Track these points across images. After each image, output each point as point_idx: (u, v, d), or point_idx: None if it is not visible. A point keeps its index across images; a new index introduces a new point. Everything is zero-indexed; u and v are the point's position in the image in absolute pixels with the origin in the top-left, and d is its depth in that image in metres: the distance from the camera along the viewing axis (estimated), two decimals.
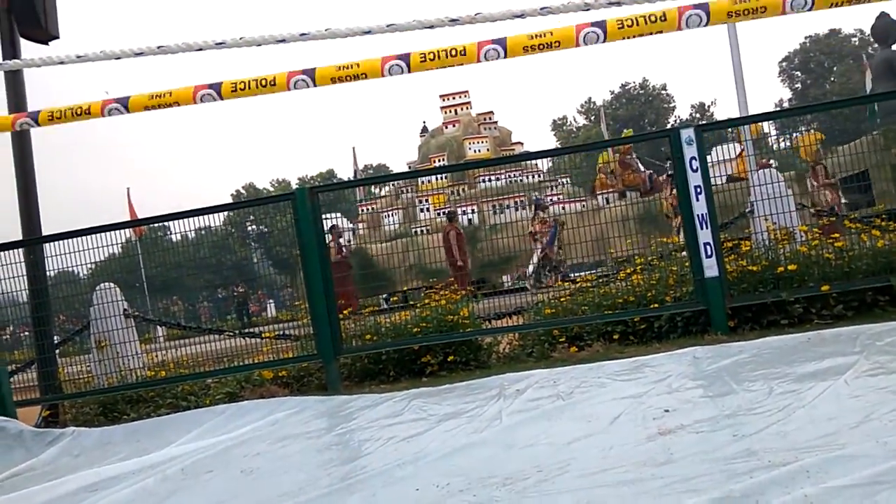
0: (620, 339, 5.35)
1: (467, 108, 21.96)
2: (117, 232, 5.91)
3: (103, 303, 6.16)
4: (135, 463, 3.82)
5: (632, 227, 6.08)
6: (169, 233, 6.99)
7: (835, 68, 51.43)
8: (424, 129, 24.41)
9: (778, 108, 49.97)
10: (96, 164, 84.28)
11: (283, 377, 5.76)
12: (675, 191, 9.10)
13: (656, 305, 5.33)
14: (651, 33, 3.84)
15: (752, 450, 2.54)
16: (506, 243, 7.02)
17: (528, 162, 18.49)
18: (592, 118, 54.17)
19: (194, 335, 6.64)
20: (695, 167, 5.22)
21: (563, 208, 13.63)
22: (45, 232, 6.09)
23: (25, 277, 5.97)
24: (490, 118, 22.11)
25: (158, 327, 7.45)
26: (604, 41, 3.82)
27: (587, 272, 6.64)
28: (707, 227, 5.17)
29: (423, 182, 18.30)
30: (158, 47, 1.64)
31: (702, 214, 5.17)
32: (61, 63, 1.71)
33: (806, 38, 53.48)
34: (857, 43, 50.90)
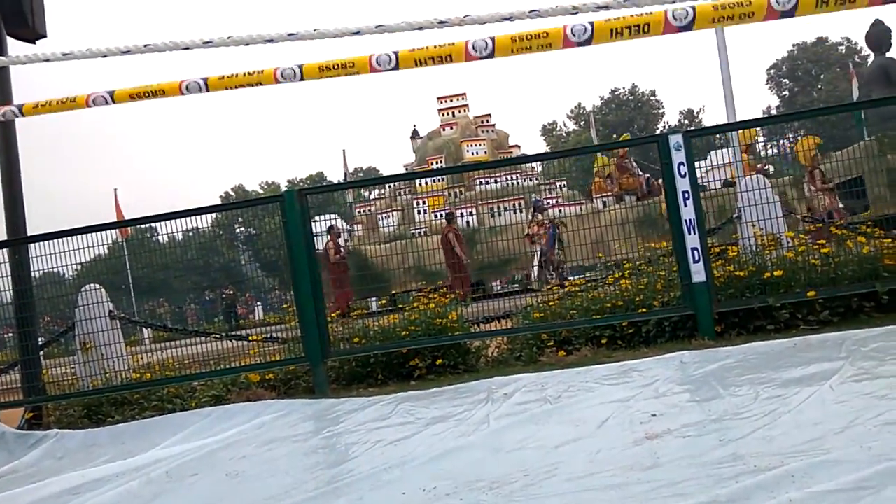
0: (608, 343, 5.36)
1: (465, 110, 21.95)
2: (103, 233, 5.87)
3: (89, 304, 6.10)
4: (119, 465, 3.79)
5: (630, 230, 6.08)
6: (156, 234, 6.95)
7: (822, 76, 51.95)
8: (415, 133, 24.41)
9: (765, 115, 50.39)
10: (84, 164, 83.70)
11: (270, 380, 5.73)
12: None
13: (644, 310, 5.34)
14: (639, 27, 3.84)
15: (739, 454, 2.55)
16: (502, 245, 7.03)
17: (524, 165, 18.57)
18: (582, 123, 54.38)
19: (181, 337, 6.59)
20: (683, 172, 5.25)
21: (560, 211, 13.69)
22: (31, 232, 6.03)
23: (10, 278, 5.90)
24: (487, 121, 22.11)
25: (144, 329, 7.40)
26: (592, 35, 3.83)
27: (581, 276, 6.66)
28: (695, 233, 5.19)
29: (420, 184, 18.29)
30: (145, 45, 1.63)
31: (689, 219, 5.20)
32: (47, 61, 1.70)
33: (793, 45, 54.01)
34: (843, 51, 51.49)
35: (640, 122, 54.34)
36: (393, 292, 6.76)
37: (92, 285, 6.29)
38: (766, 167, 13.59)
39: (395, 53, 2.97)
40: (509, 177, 17.72)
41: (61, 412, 5.85)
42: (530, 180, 17.73)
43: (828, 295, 5.01)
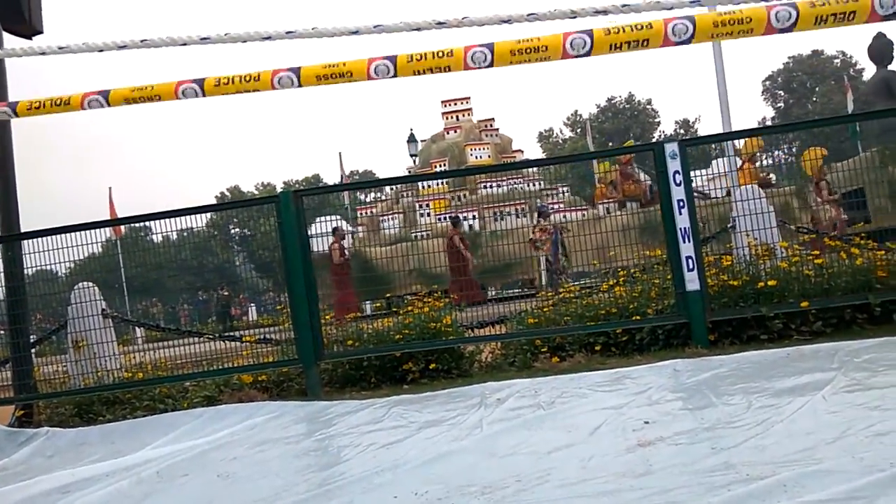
0: (602, 350, 5.37)
1: (468, 114, 21.96)
2: (97, 231, 5.85)
3: (81, 302, 6.07)
4: (110, 465, 3.76)
5: (631, 236, 6.09)
6: (150, 233, 6.92)
7: (817, 88, 52.24)
8: (412, 137, 24.44)
9: (761, 126, 50.66)
10: (78, 162, 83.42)
11: (263, 381, 5.71)
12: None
13: (638, 318, 5.35)
14: (638, 41, 3.86)
15: (731, 463, 2.56)
16: (505, 249, 7.02)
17: (527, 170, 18.57)
18: (578, 131, 54.51)
19: (173, 337, 6.56)
20: (678, 181, 5.27)
21: (564, 216, 13.71)
22: (24, 229, 6.00)
23: (2, 274, 5.87)
24: (491, 125, 22.12)
25: (137, 328, 7.37)
26: (591, 48, 3.84)
27: (580, 282, 6.66)
28: (689, 241, 5.21)
29: (424, 186, 18.28)
30: (142, 41, 1.63)
31: (684, 228, 5.21)
32: (43, 54, 1.70)
33: (789, 58, 54.31)
34: (838, 64, 51.79)
35: (637, 130, 54.50)
36: (388, 295, 6.72)
37: (85, 283, 6.27)
38: (769, 177, 13.64)
39: (394, 63, 2.97)
40: (512, 181, 17.73)
41: (52, 410, 5.82)
42: (533, 185, 17.76)
43: (821, 306, 5.03)
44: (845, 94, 25.61)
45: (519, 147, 23.41)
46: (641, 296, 5.60)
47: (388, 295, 6.75)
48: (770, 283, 5.20)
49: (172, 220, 5.82)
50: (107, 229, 6.45)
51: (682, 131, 55.01)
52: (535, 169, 18.22)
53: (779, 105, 54.81)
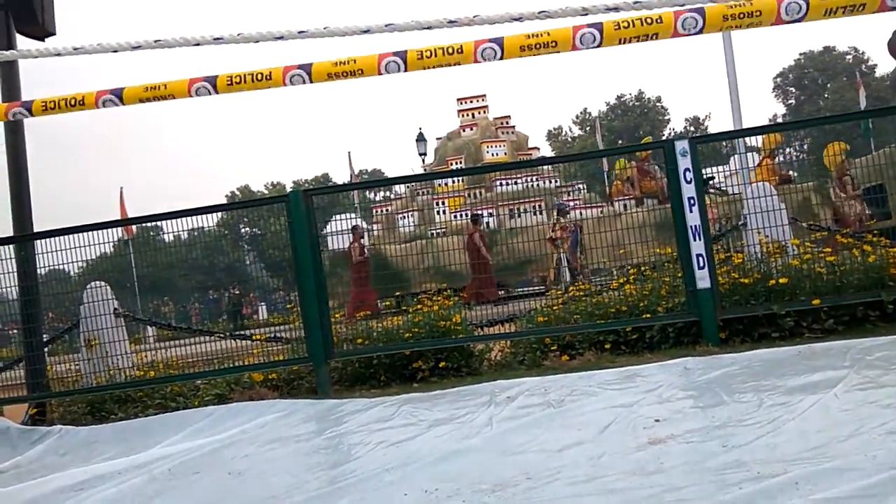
0: (612, 348, 5.36)
1: (485, 111, 21.93)
2: (109, 231, 5.89)
3: (94, 301, 6.12)
4: (122, 462, 3.80)
5: (648, 233, 6.05)
6: (161, 233, 6.97)
7: (828, 85, 51.83)
8: (421, 136, 24.45)
9: (772, 122, 50.32)
10: (91, 163, 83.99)
11: (273, 380, 5.74)
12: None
13: (648, 316, 5.34)
14: (647, 35, 3.85)
15: (742, 461, 2.55)
16: (521, 247, 7.00)
17: (542, 167, 18.52)
18: (588, 129, 54.37)
19: (185, 336, 6.61)
20: (689, 178, 5.25)
21: (580, 214, 13.67)
22: (37, 229, 6.05)
23: (15, 274, 5.93)
24: (507, 122, 22.08)
25: (149, 327, 7.41)
26: (601, 43, 3.83)
27: (594, 280, 6.64)
28: (700, 239, 5.19)
29: (439, 184, 18.27)
30: (156, 41, 1.64)
31: (695, 226, 5.19)
32: (58, 55, 1.71)
33: (800, 54, 53.90)
34: (850, 60, 51.33)
35: (646, 128, 54.23)
36: (397, 294, 6.73)
37: (97, 283, 6.32)
38: (789, 173, 13.53)
39: (404, 59, 2.97)
40: (528, 179, 17.69)
41: (65, 409, 5.87)
42: (549, 182, 17.72)
43: (833, 303, 5.00)
44: (857, 91, 25.38)
45: (533, 145, 23.36)
46: (652, 294, 5.58)
47: (397, 294, 6.75)
48: (781, 280, 5.17)
49: (183, 219, 5.85)
50: (118, 229, 6.49)
51: (692, 129, 54.75)
52: (548, 167, 18.20)
53: (790, 102, 54.44)
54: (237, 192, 56.95)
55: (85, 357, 6.02)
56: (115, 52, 1.66)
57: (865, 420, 2.79)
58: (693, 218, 5.19)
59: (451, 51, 3.74)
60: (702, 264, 5.16)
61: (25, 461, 4.38)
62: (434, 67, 3.86)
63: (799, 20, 4.39)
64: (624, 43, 4.29)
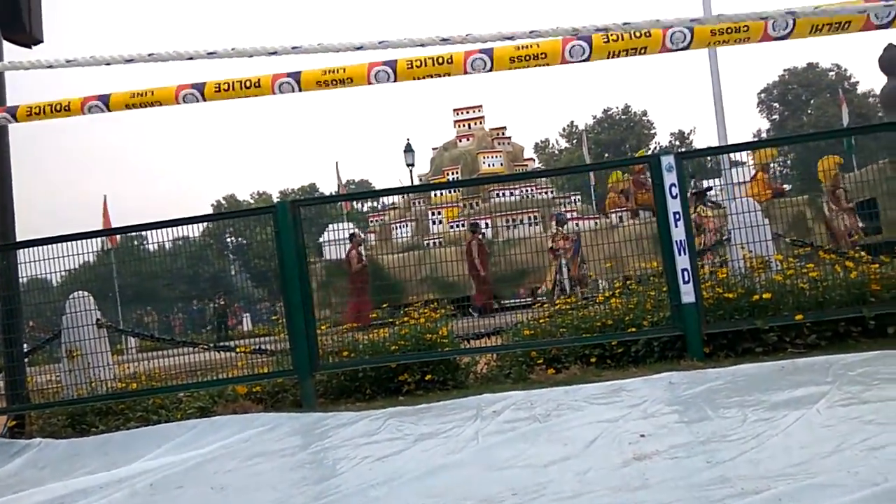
0: (598, 362, 5.37)
1: (481, 122, 22.01)
2: (92, 240, 5.84)
3: (76, 311, 6.05)
4: (103, 476, 3.74)
5: (645, 246, 6.07)
6: (145, 242, 6.92)
7: (812, 101, 52.57)
8: (409, 147, 24.48)
9: (756, 139, 50.92)
10: (74, 170, 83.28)
11: (257, 393, 5.69)
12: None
13: (634, 329, 5.36)
14: (636, 49, 3.88)
15: (726, 477, 2.56)
16: (518, 258, 7.01)
17: (530, 179, 18.64)
18: (574, 141, 54.71)
19: (168, 347, 6.54)
20: (674, 194, 5.29)
21: (577, 225, 13.72)
22: (20, 237, 5.98)
23: None
24: (503, 133, 22.18)
25: (130, 338, 7.34)
26: (590, 56, 3.87)
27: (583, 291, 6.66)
28: (685, 254, 5.22)
29: (435, 194, 18.29)
30: (149, 55, 1.64)
31: (680, 240, 5.23)
32: (50, 67, 1.70)
33: (784, 70, 54.67)
34: (833, 77, 52.16)
35: (633, 142, 54.70)
36: (385, 305, 6.70)
37: (80, 293, 6.25)
38: (782, 186, 13.71)
39: (393, 69, 2.99)
40: (524, 190, 17.80)
41: (45, 421, 5.78)
42: (545, 194, 17.84)
43: (815, 319, 5.05)
44: (840, 107, 25.77)
45: (527, 157, 23.50)
46: (637, 307, 5.61)
47: (393, 305, 6.72)
48: (765, 295, 5.22)
49: (170, 229, 5.81)
50: (101, 238, 6.43)
51: (677, 143, 55.26)
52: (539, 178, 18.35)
53: (774, 117, 55.12)
54: (223, 202, 56.68)
55: (66, 368, 5.95)
56: (108, 64, 1.65)
57: (847, 436, 2.82)
58: (678, 233, 5.23)
59: (440, 61, 3.76)
60: (686, 279, 5.19)
61: (4, 475, 4.31)
62: (423, 77, 3.87)
63: (785, 37, 4.46)
64: (613, 57, 4.34)
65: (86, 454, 4.56)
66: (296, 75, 3.16)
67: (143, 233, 6.48)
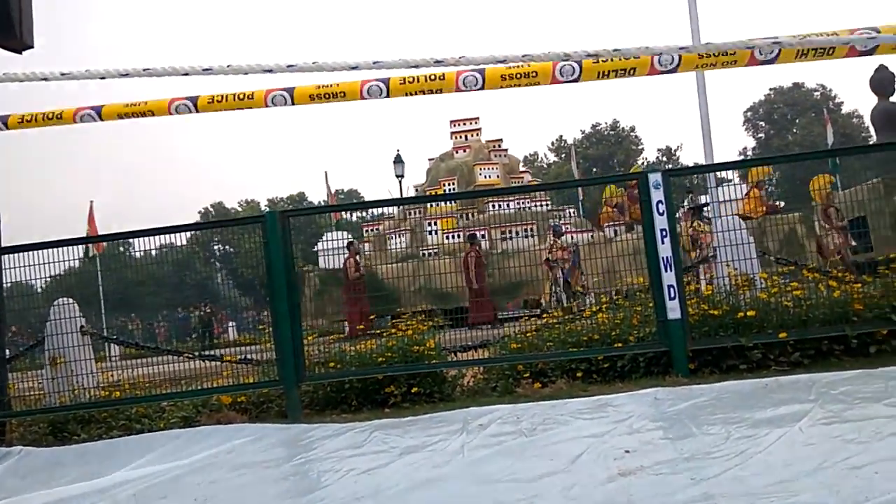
0: (584, 376, 5.39)
1: (477, 134, 22.09)
2: (77, 247, 5.81)
3: (60, 318, 6.00)
4: (85, 486, 3.70)
5: (642, 260, 6.10)
6: (130, 247, 6.89)
7: (797, 120, 53.27)
8: (398, 158, 24.52)
9: (743, 157, 51.49)
10: (60, 175, 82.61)
11: (242, 403, 5.65)
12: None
13: (620, 345, 5.39)
14: (625, 70, 3.95)
15: (710, 494, 2.58)
16: (514, 269, 7.01)
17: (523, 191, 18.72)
18: (563, 156, 55.01)
19: (152, 355, 6.49)
20: (661, 210, 5.34)
21: (572, 237, 13.80)
22: (4, 243, 5.93)
23: None
24: (499, 145, 22.26)
25: (113, 345, 7.27)
26: (580, 77, 3.92)
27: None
28: (671, 270, 5.27)
29: (431, 206, 18.34)
30: (144, 69, 1.65)
31: (666, 257, 5.28)
32: (45, 80, 1.71)
33: (770, 89, 55.38)
34: (818, 97, 52.90)
35: (621, 157, 55.11)
36: (372, 316, 6.70)
37: (64, 299, 6.19)
38: (776, 203, 13.84)
39: (386, 85, 3.02)
40: (519, 202, 17.92)
41: (25, 428, 5.71)
42: (540, 206, 17.96)
43: (799, 337, 5.10)
44: (825, 127, 26.11)
45: (522, 169, 23.64)
46: (623, 323, 5.64)
47: (380, 314, 6.72)
48: (749, 313, 5.27)
49: (157, 237, 5.79)
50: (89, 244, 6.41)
51: (664, 159, 55.73)
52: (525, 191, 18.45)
53: (759, 136, 55.77)
54: (210, 209, 56.41)
55: (49, 375, 5.88)
56: (103, 78, 1.66)
57: (829, 454, 2.85)
58: (665, 249, 5.28)
59: (433, 77, 3.80)
60: (672, 295, 5.24)
61: None
62: (416, 94, 3.91)
63: (772, 61, 4.54)
64: (602, 78, 4.41)
65: (67, 463, 4.51)
66: (289, 89, 3.18)
67: (130, 240, 6.44)
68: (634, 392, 4.54)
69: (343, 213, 23.88)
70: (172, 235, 5.86)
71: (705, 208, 10.54)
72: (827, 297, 5.38)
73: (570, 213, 18.82)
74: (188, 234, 7.33)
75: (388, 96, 3.81)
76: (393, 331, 5.93)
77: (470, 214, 18.27)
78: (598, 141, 56.93)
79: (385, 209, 19.57)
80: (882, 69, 12.41)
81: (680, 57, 4.07)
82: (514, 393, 5.27)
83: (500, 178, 20.24)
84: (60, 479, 4.11)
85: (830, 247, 9.52)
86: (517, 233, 14.69)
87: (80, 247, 5.92)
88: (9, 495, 3.71)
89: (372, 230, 18.54)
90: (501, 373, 5.64)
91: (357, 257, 8.48)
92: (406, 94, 3.86)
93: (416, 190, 22.94)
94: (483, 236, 14.93)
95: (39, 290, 6.50)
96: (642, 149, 57.88)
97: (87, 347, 6.15)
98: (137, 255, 6.96)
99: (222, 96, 3.29)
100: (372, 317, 6.44)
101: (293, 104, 3.57)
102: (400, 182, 24.84)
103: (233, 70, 1.62)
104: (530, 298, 9.23)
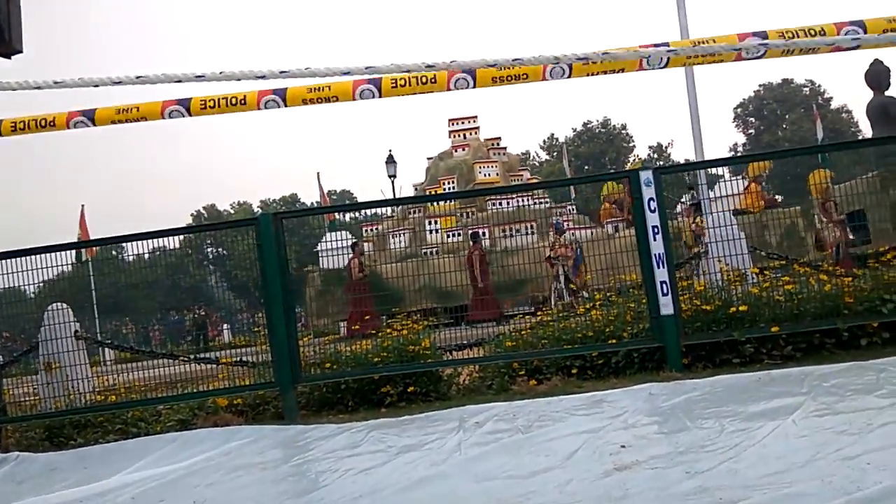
0: (579, 373, 5.42)
1: (476, 132, 22.10)
2: (69, 252, 5.80)
3: (54, 323, 5.98)
4: (82, 491, 3.71)
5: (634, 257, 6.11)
6: (123, 252, 6.88)
7: (787, 116, 53.52)
8: (391, 158, 24.52)
9: (733, 153, 51.72)
10: (51, 178, 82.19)
11: (238, 405, 5.65)
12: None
13: (614, 341, 5.42)
14: (614, 68, 3.98)
15: (705, 487, 2.61)
16: (515, 267, 7.03)
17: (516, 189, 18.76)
18: (555, 154, 55.12)
19: (147, 359, 6.48)
20: (653, 208, 5.38)
21: (573, 234, 13.85)
22: None
23: None
24: (498, 144, 22.28)
25: (107, 349, 7.25)
26: (569, 75, 3.95)
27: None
28: (664, 266, 5.31)
29: (431, 204, 18.33)
30: (137, 77, 1.65)
31: (659, 254, 5.31)
32: (38, 88, 1.71)
33: (760, 85, 55.63)
34: (807, 93, 53.19)
35: (612, 154, 55.25)
36: (364, 316, 6.70)
37: (58, 304, 6.18)
38: (775, 198, 13.89)
39: (378, 87, 3.04)
40: (520, 200, 17.96)
41: (21, 434, 5.70)
42: (541, 204, 18.00)
43: (791, 330, 5.15)
44: (814, 122, 26.27)
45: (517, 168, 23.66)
46: (617, 319, 5.67)
47: (383, 314, 6.72)
48: (742, 308, 5.31)
49: (149, 241, 5.79)
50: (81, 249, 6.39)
51: (655, 156, 55.88)
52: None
53: (750, 132, 56.01)
54: (203, 211, 56.20)
55: (44, 381, 5.87)
56: (97, 86, 1.67)
57: (822, 446, 2.89)
58: (657, 246, 5.32)
59: (424, 80, 3.82)
60: (665, 291, 5.27)
61: None
62: (408, 95, 3.93)
63: (759, 58, 4.59)
64: (592, 75, 4.44)
65: (64, 468, 4.51)
66: (281, 92, 3.20)
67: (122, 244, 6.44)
68: (629, 388, 4.58)
69: (337, 213, 23.84)
70: (165, 239, 5.86)
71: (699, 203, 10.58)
72: (818, 291, 5.43)
73: (570, 209, 18.86)
74: (181, 237, 7.29)
75: (379, 97, 3.83)
76: (388, 331, 5.94)
77: (470, 213, 18.28)
78: (590, 139, 57.04)
79: (379, 209, 19.53)
80: (877, 63, 12.47)
81: (669, 57, 4.10)
82: (510, 390, 5.29)
83: (499, 176, 20.26)
84: (58, 484, 4.11)
85: (830, 240, 9.58)
86: (517, 230, 14.72)
87: (72, 251, 5.90)
88: (6, 501, 3.71)
89: (372, 230, 18.54)
90: (497, 371, 5.66)
91: (361, 258, 8.50)
92: (398, 96, 3.88)
93: (416, 188, 22.92)
94: (484, 234, 14.96)
95: (32, 295, 6.48)
96: (633, 146, 58.06)
97: (82, 352, 6.15)
98: (130, 258, 6.93)
99: (215, 101, 3.31)
100: (382, 315, 6.44)
101: (286, 107, 3.59)
102: (392, 182, 24.85)
103: (225, 76, 1.63)
104: (535, 295, 9.22)
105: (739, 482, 2.62)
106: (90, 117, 3.18)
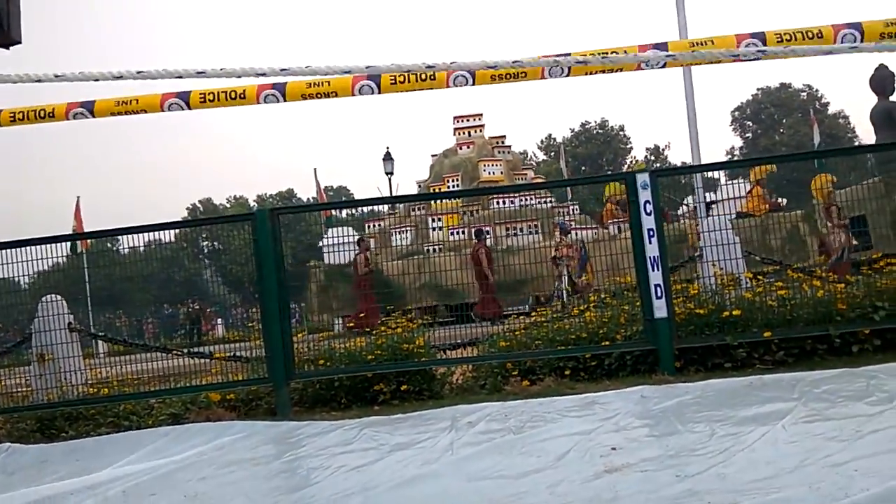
0: (572, 374, 5.44)
1: (481, 130, 22.07)
2: (63, 244, 5.79)
3: (48, 315, 5.97)
4: (74, 483, 3.71)
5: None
6: (118, 245, 6.87)
7: (784, 120, 53.66)
8: (388, 155, 24.48)
9: (730, 157, 51.86)
10: (47, 170, 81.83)
11: (231, 400, 5.65)
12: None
13: (607, 343, 5.44)
14: (612, 68, 4.00)
15: (695, 490, 2.63)
16: (520, 265, 7.02)
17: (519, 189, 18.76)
18: (552, 154, 55.13)
19: (140, 352, 6.47)
20: (648, 210, 5.40)
21: (577, 234, 13.86)
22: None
23: None
24: (502, 142, 22.25)
25: (100, 342, 7.24)
26: (568, 73, 3.96)
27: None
28: (658, 269, 5.33)
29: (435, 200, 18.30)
30: (138, 72, 1.66)
31: (653, 256, 5.33)
32: (39, 81, 1.71)
33: (758, 89, 55.70)
34: (805, 97, 53.31)
35: (609, 156, 55.32)
36: (397, 308, 6.69)
37: (52, 296, 6.17)
38: (779, 201, 13.86)
39: (377, 83, 3.04)
40: (524, 198, 17.98)
41: (12, 425, 5.69)
42: (544, 203, 18.01)
43: (783, 336, 5.17)
44: (811, 127, 26.34)
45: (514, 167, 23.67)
46: (611, 321, 5.69)
47: (387, 309, 6.72)
48: (735, 312, 5.33)
49: (144, 234, 5.78)
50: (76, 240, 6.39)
51: (652, 158, 55.96)
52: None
53: (747, 135, 56.12)
54: (199, 205, 56.05)
55: (36, 372, 5.86)
56: (97, 80, 1.67)
57: (811, 452, 2.91)
58: (652, 249, 5.34)
59: (423, 77, 3.83)
60: (659, 294, 5.29)
61: None
62: (407, 91, 3.94)
63: (757, 59, 4.60)
64: (590, 74, 4.46)
65: (56, 460, 4.51)
66: (281, 87, 3.20)
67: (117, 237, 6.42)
68: (621, 390, 4.60)
69: (333, 210, 23.79)
70: (161, 232, 5.85)
71: (712, 206, 10.61)
72: (811, 297, 5.45)
73: (573, 209, 18.84)
74: (176, 230, 7.28)
75: (378, 93, 3.84)
76: (383, 328, 5.95)
77: (474, 211, 18.26)
78: (588, 140, 57.06)
79: (376, 206, 19.50)
80: (882, 68, 12.46)
81: (666, 57, 4.12)
82: (503, 391, 5.30)
83: (503, 175, 20.24)
84: (48, 476, 4.11)
85: (835, 245, 9.60)
86: (521, 229, 14.72)
87: (66, 243, 5.89)
88: None
89: (374, 226, 18.52)
90: (490, 371, 5.67)
91: (367, 253, 8.50)
92: (397, 92, 3.89)
93: (419, 186, 22.88)
94: (488, 232, 14.94)
95: (25, 286, 6.47)
96: (631, 147, 58.13)
97: (75, 344, 6.14)
98: (125, 251, 6.93)
99: (214, 94, 3.31)
100: (385, 308, 6.45)
101: (285, 102, 3.59)
102: (390, 179, 24.80)
103: (226, 73, 1.64)
104: (540, 294, 9.21)
105: (728, 487, 2.64)
106: (89, 109, 3.18)
